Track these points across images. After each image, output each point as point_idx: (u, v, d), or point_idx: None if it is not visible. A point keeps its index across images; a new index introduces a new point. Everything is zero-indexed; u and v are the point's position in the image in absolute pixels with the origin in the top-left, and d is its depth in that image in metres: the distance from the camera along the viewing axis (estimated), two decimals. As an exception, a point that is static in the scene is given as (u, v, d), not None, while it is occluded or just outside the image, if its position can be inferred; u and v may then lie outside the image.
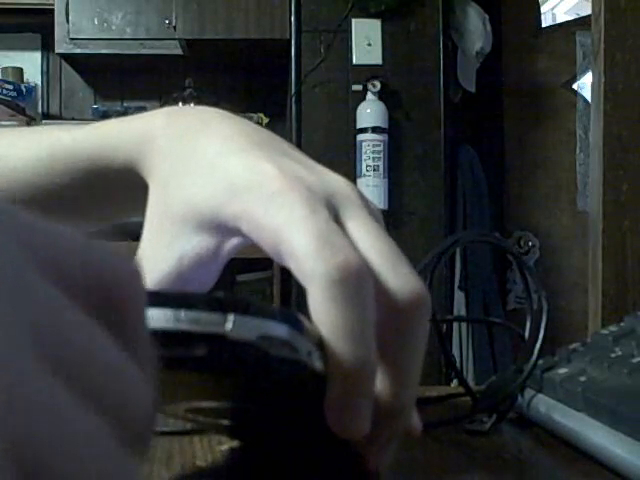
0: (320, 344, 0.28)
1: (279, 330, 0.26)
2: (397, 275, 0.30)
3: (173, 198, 0.37)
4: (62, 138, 0.44)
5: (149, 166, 0.40)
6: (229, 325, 0.24)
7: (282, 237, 0.30)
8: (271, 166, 0.33)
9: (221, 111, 0.40)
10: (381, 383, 0.30)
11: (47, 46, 3.02)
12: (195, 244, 0.36)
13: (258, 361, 0.25)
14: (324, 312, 0.28)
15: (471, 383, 0.48)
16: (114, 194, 0.45)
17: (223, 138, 0.36)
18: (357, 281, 0.29)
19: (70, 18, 2.69)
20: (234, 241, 0.37)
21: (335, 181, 0.34)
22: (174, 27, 2.67)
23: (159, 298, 0.24)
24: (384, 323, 0.30)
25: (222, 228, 0.34)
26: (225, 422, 0.36)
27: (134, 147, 0.40)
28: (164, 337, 0.24)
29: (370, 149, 2.48)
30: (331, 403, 0.28)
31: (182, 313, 0.24)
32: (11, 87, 2.87)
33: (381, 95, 2.52)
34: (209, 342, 0.24)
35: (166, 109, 0.41)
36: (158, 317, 0.24)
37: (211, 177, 0.35)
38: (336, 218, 0.32)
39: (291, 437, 0.35)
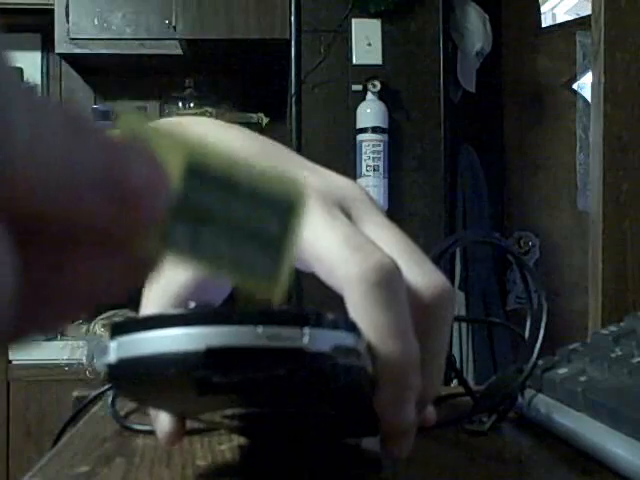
0: (369, 347, 0.29)
1: (349, 340, 0.27)
2: (422, 272, 0.32)
3: None
4: None
5: None
6: (306, 339, 0.25)
7: (306, 245, 0.31)
8: None
9: (217, 122, 0.40)
10: None
11: (47, 46, 3.01)
12: None
13: (331, 371, 0.26)
14: (367, 314, 0.29)
15: (471, 383, 0.48)
16: None
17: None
18: (393, 281, 0.30)
19: (70, 18, 2.69)
20: None
21: (342, 183, 0.34)
22: (174, 27, 2.67)
23: (237, 316, 0.25)
24: (413, 319, 0.31)
25: None
26: (255, 423, 0.36)
27: None
28: (244, 354, 0.25)
29: (370, 149, 2.48)
30: (385, 398, 0.29)
31: (260, 329, 0.25)
32: (11, 87, 2.87)
33: (381, 95, 2.52)
34: (288, 356, 0.25)
35: (176, 119, 0.41)
36: (236, 334, 0.25)
37: None
38: (351, 220, 0.32)
39: (317, 431, 0.36)
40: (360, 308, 0.29)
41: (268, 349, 0.25)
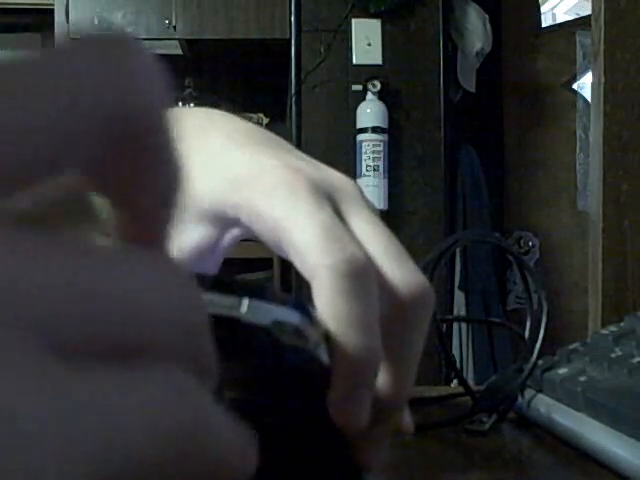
0: (326, 337, 0.28)
1: (292, 317, 0.26)
2: (401, 270, 0.31)
3: None
4: None
5: None
6: (244, 309, 0.24)
7: (285, 228, 0.30)
8: (273, 160, 0.33)
9: (224, 112, 0.40)
10: (381, 376, 0.30)
11: (47, 46, 3.01)
12: (195, 235, 0.36)
13: (270, 347, 0.25)
14: (331, 304, 0.28)
15: (471, 383, 0.48)
16: None
17: (227, 134, 0.37)
18: (364, 275, 0.29)
19: (70, 18, 2.69)
20: (233, 233, 0.37)
21: (337, 178, 0.34)
22: (174, 27, 2.67)
23: None
24: (387, 317, 0.30)
25: (222, 219, 0.34)
26: None
27: None
28: None
29: (370, 149, 2.48)
30: (336, 394, 0.28)
31: None
32: (11, 87, 2.87)
33: (381, 95, 2.52)
34: (223, 325, 0.23)
35: (178, 109, 0.41)
36: None
37: (212, 170, 0.35)
38: (338, 213, 0.32)
39: (286, 430, 0.35)
40: (325, 297, 0.28)
41: None
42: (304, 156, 0.36)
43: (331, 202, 0.32)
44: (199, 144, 0.37)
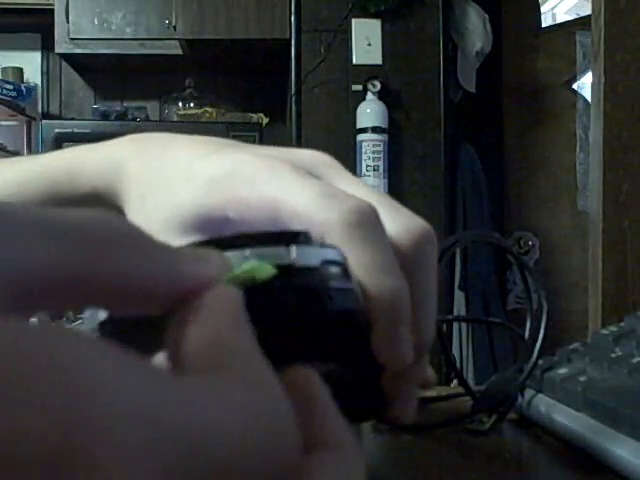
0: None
1: (336, 255, 0.27)
2: (400, 216, 0.32)
3: (153, 208, 0.37)
4: (29, 165, 0.44)
5: (121, 189, 0.39)
6: (293, 254, 0.25)
7: (279, 205, 0.31)
8: (243, 155, 0.34)
9: (175, 134, 0.40)
10: None
11: (47, 46, 3.01)
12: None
13: (324, 287, 0.25)
14: (350, 254, 0.28)
15: (471, 383, 0.48)
16: None
17: (191, 147, 0.37)
18: (373, 220, 0.30)
19: (70, 18, 2.69)
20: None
21: (310, 154, 0.35)
22: (174, 27, 2.67)
23: (219, 242, 0.25)
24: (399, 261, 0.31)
25: (207, 223, 0.34)
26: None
27: (101, 174, 0.40)
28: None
29: (370, 149, 2.48)
30: (380, 335, 0.29)
31: (247, 251, 0.24)
32: (11, 87, 2.87)
33: (381, 95, 2.52)
34: (278, 275, 0.24)
35: (129, 136, 0.41)
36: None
37: (188, 179, 0.35)
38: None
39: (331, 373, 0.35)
40: (344, 249, 0.28)
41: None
42: (270, 147, 0.36)
43: (313, 175, 0.33)
44: (164, 162, 0.37)
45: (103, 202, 0.40)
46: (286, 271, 0.25)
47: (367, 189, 0.33)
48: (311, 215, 0.30)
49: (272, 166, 0.32)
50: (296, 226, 0.30)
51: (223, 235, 0.25)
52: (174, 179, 0.36)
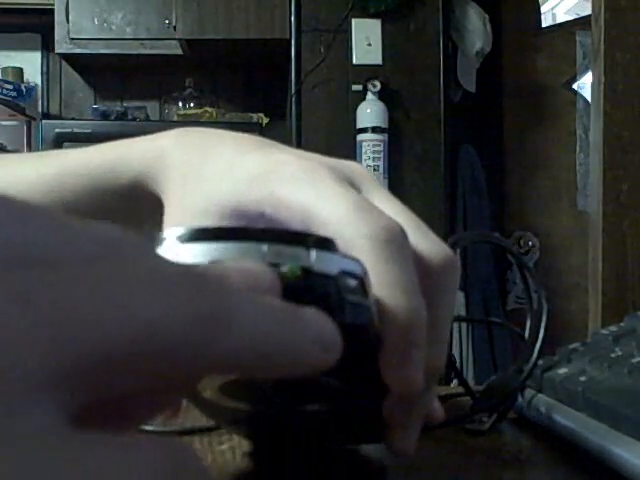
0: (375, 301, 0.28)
1: (355, 267, 0.26)
2: (428, 240, 0.33)
3: (193, 198, 0.37)
4: (69, 156, 0.45)
5: (162, 180, 0.40)
6: (312, 258, 0.25)
7: (315, 208, 0.31)
8: (286, 155, 0.35)
9: (223, 133, 0.41)
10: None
11: (47, 46, 3.02)
12: None
13: (336, 296, 0.25)
14: (375, 270, 0.29)
15: (471, 383, 0.48)
16: (120, 209, 0.45)
17: (235, 143, 0.38)
18: (401, 241, 0.30)
19: (70, 18, 2.69)
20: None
21: (349, 164, 0.36)
22: (174, 27, 2.67)
23: (240, 232, 0.24)
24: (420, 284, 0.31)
25: (244, 217, 0.35)
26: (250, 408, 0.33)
27: (143, 163, 0.41)
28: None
29: (370, 149, 2.48)
30: (390, 355, 0.29)
31: (265, 247, 0.24)
32: (11, 87, 2.87)
33: (381, 95, 2.52)
34: (295, 274, 0.24)
35: (175, 130, 0.42)
36: (242, 250, 0.24)
37: (230, 173, 0.36)
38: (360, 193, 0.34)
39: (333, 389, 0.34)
40: (368, 264, 0.28)
41: (272, 265, 0.23)
42: (309, 153, 0.37)
43: (352, 185, 0.34)
44: (207, 155, 0.38)
45: (142, 190, 0.41)
46: (302, 273, 0.24)
47: (400, 208, 0.34)
48: (342, 225, 0.30)
49: (312, 169, 0.33)
50: (325, 232, 0.30)
51: (249, 226, 0.25)
52: (216, 172, 0.36)
